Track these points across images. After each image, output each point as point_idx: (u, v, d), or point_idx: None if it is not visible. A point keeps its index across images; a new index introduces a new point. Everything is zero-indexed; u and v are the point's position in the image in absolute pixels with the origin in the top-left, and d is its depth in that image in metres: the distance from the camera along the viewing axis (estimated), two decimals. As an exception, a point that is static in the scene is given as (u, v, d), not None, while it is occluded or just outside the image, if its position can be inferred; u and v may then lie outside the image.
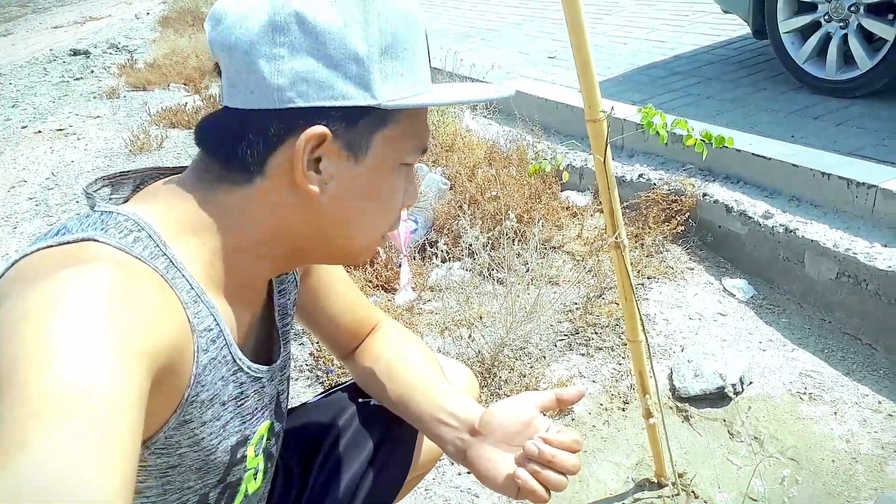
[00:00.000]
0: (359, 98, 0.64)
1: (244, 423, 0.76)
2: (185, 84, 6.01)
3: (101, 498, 0.43)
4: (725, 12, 3.75)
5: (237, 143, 0.66)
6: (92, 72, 7.16)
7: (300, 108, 0.63)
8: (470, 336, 2.06)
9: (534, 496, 0.78)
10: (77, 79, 6.91)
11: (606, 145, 1.18)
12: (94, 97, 6.03)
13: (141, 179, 0.74)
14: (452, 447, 0.89)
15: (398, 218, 0.77)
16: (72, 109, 5.67)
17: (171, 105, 5.06)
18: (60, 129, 5.10)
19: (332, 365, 2.03)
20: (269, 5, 0.62)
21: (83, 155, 4.46)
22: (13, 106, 6.09)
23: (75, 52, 8.27)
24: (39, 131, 5.13)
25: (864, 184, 2.06)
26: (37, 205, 3.71)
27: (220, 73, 0.67)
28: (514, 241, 2.25)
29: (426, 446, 1.10)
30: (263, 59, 0.62)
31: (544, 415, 0.86)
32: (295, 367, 2.07)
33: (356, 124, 0.66)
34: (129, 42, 8.72)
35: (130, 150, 4.28)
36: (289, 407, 0.96)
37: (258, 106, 0.64)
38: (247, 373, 0.74)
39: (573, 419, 1.81)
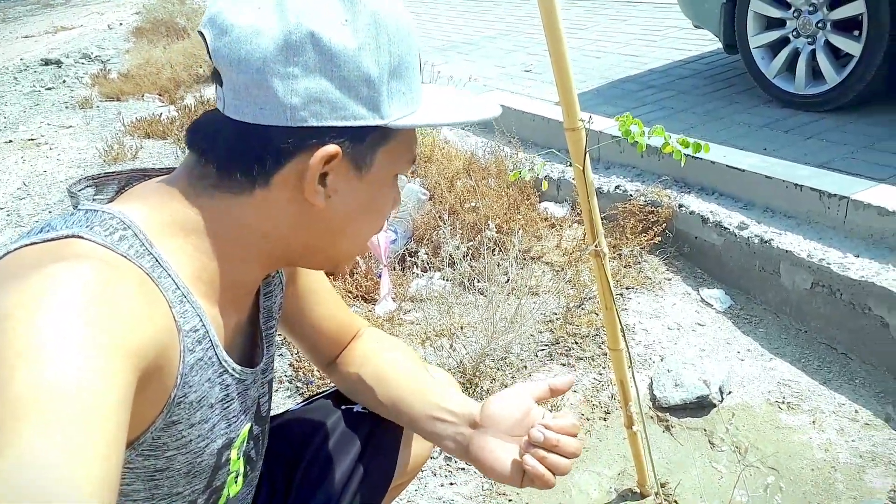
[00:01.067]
0: (369, 119, 0.66)
1: (229, 425, 0.75)
2: (159, 95, 5.95)
3: (83, 499, 0.43)
4: (697, 27, 3.83)
5: (244, 156, 0.66)
6: (64, 82, 7.06)
7: (312, 127, 0.64)
8: (451, 346, 2.06)
9: (541, 481, 0.81)
10: (49, 88, 6.81)
11: (585, 154, 1.19)
12: (67, 107, 5.94)
13: (126, 181, 0.74)
14: (452, 443, 0.90)
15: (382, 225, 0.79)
16: (43, 119, 5.58)
17: (146, 115, 5.01)
18: (32, 139, 5.01)
19: (313, 376, 2.01)
20: (281, 23, 0.62)
21: (56, 165, 4.39)
22: (-19, 116, 5.97)
23: (47, 62, 8.16)
24: (10, 141, 5.04)
25: (835, 195, 2.11)
26: (8, 215, 3.63)
27: (218, 81, 0.66)
28: (493, 251, 2.26)
29: (410, 453, 1.10)
30: (277, 77, 0.62)
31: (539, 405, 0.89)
32: (275, 378, 2.04)
33: (363, 142, 0.68)
34: (102, 52, 8.62)
35: (105, 161, 4.22)
36: (272, 415, 0.96)
37: (268, 122, 0.64)
38: (232, 375, 0.73)
39: (555, 429, 1.81)
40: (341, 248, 0.76)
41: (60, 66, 7.91)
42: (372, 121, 0.66)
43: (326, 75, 0.63)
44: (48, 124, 5.41)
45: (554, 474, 0.81)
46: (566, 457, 0.82)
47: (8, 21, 16.14)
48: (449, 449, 0.91)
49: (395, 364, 1.02)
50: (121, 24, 11.79)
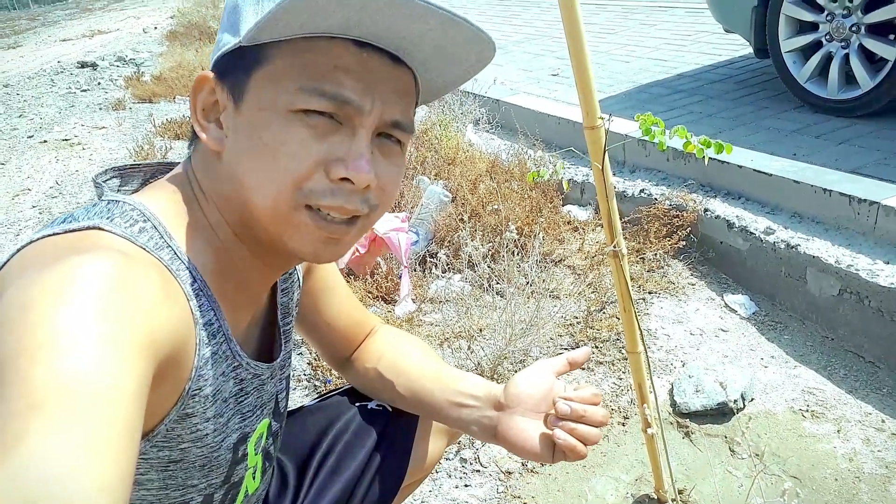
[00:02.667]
0: (232, 42, 0.64)
1: (244, 420, 0.76)
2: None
3: (99, 490, 0.43)
4: (727, 31, 3.77)
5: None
6: (99, 84, 7.21)
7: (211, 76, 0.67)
8: (469, 348, 2.05)
9: (574, 452, 0.82)
10: (84, 90, 6.96)
11: (604, 153, 1.18)
12: (101, 108, 6.07)
13: (152, 173, 0.75)
14: (478, 426, 0.91)
15: (331, 188, 0.64)
16: (78, 120, 5.71)
17: (177, 117, 5.09)
18: (66, 140, 5.12)
19: (331, 374, 2.01)
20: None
21: (88, 165, 4.48)
22: (20, 116, 6.13)
23: (83, 65, 8.35)
24: (45, 141, 5.16)
25: (865, 200, 2.06)
26: (40, 213, 3.71)
27: None
28: (514, 253, 2.25)
29: (423, 452, 1.10)
30: (218, 45, 0.68)
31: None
32: (293, 376, 2.06)
33: (236, 69, 0.64)
34: (137, 55, 8.80)
35: (134, 160, 4.29)
36: (288, 409, 0.96)
37: None
38: (247, 369, 0.74)
39: (572, 433, 1.79)
40: (252, 201, 0.65)
41: (96, 69, 8.09)
42: (233, 43, 0.64)
43: (224, 27, 0.67)
44: (82, 125, 5.53)
45: (585, 445, 0.82)
46: (594, 426, 0.82)
47: (47, 25, 16.57)
48: (474, 433, 0.91)
49: (412, 356, 1.03)
50: (156, 27, 12.02)
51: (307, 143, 0.62)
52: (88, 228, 0.60)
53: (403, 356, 1.03)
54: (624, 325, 1.38)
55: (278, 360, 0.82)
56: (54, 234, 0.59)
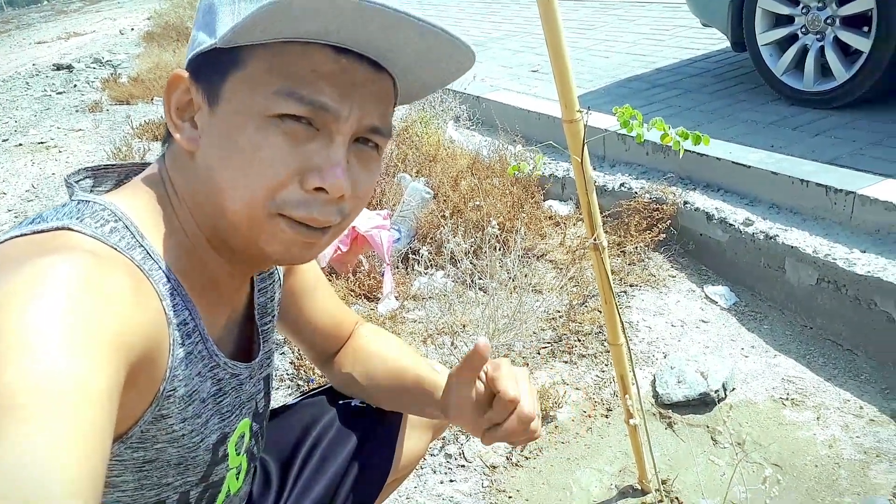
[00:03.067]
0: (207, 43, 0.63)
1: (223, 420, 0.75)
2: (168, 98, 5.99)
3: (68, 492, 0.42)
4: (705, 25, 3.80)
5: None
6: (75, 86, 7.12)
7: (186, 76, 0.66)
8: (453, 344, 2.05)
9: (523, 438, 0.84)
10: (59, 93, 6.88)
11: (583, 145, 1.18)
12: (77, 111, 5.99)
13: (125, 174, 0.74)
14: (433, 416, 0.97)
15: (305, 199, 0.63)
16: (53, 123, 5.63)
17: (155, 119, 5.04)
18: (42, 143, 5.06)
19: (314, 374, 2.00)
20: None
21: (64, 167, 4.43)
22: (-6, 120, 6.04)
23: (58, 67, 8.25)
24: (20, 144, 5.08)
25: (842, 190, 2.08)
26: (16, 217, 3.66)
27: None
28: (496, 249, 2.25)
29: (407, 448, 1.10)
30: (192, 44, 0.67)
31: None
32: (276, 376, 2.05)
33: (211, 69, 0.63)
34: (113, 57, 8.70)
35: (109, 162, 4.24)
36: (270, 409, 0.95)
37: None
38: (224, 369, 0.73)
39: (556, 426, 1.80)
40: (224, 207, 0.64)
41: (72, 71, 7.99)
42: (208, 44, 0.62)
43: (198, 26, 0.66)
44: (58, 128, 5.46)
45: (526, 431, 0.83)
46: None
47: (22, 27, 16.34)
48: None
49: (387, 354, 1.04)
50: (132, 29, 11.90)
51: (282, 149, 0.61)
52: (58, 229, 0.59)
53: (379, 354, 1.04)
54: (605, 318, 1.39)
55: (257, 359, 0.81)
56: (22, 235, 0.58)
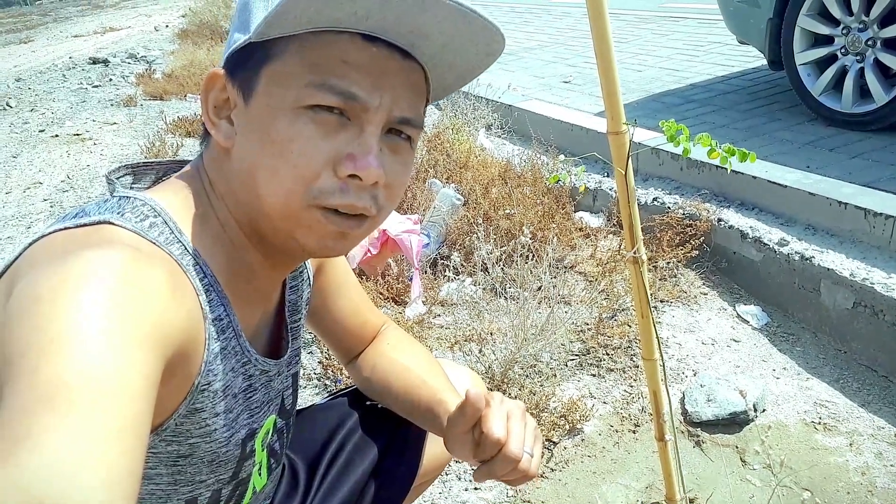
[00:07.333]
0: (242, 39, 0.64)
1: (252, 416, 0.75)
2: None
3: (106, 486, 0.42)
4: (741, 43, 3.78)
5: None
6: (110, 80, 7.24)
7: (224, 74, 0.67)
8: (480, 351, 2.05)
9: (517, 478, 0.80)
10: (95, 86, 6.99)
11: (628, 158, 1.17)
12: (112, 105, 6.09)
13: (164, 171, 0.75)
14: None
15: (339, 186, 0.64)
16: (89, 115, 5.73)
17: (188, 115, 5.10)
18: (77, 135, 5.14)
19: (342, 374, 2.01)
20: None
21: (98, 160, 4.49)
22: (31, 110, 6.15)
23: (94, 61, 8.38)
24: (56, 135, 5.17)
25: (882, 214, 2.05)
26: (51, 206, 3.72)
27: None
28: (527, 258, 2.24)
29: (433, 451, 1.09)
30: (229, 43, 0.68)
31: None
32: (304, 374, 2.06)
33: (245, 66, 0.64)
34: (148, 53, 8.83)
35: (146, 157, 4.30)
36: (297, 407, 0.96)
37: None
38: (255, 365, 0.74)
39: (583, 439, 1.79)
40: (262, 200, 0.65)
41: (107, 65, 8.12)
42: (243, 39, 0.63)
43: (235, 27, 0.67)
44: (93, 120, 5.55)
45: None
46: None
47: (59, 21, 16.65)
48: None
49: (408, 361, 1.02)
50: (167, 26, 12.08)
51: (315, 140, 0.62)
52: (99, 223, 0.60)
53: (399, 364, 1.01)
54: (640, 332, 1.38)
55: (285, 356, 0.82)
56: (66, 229, 0.59)
